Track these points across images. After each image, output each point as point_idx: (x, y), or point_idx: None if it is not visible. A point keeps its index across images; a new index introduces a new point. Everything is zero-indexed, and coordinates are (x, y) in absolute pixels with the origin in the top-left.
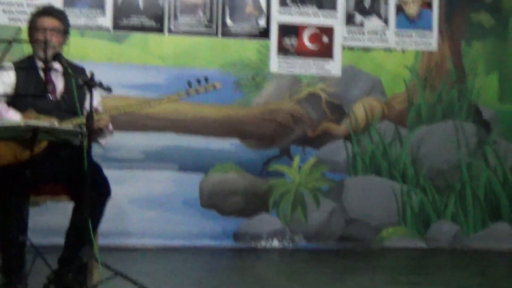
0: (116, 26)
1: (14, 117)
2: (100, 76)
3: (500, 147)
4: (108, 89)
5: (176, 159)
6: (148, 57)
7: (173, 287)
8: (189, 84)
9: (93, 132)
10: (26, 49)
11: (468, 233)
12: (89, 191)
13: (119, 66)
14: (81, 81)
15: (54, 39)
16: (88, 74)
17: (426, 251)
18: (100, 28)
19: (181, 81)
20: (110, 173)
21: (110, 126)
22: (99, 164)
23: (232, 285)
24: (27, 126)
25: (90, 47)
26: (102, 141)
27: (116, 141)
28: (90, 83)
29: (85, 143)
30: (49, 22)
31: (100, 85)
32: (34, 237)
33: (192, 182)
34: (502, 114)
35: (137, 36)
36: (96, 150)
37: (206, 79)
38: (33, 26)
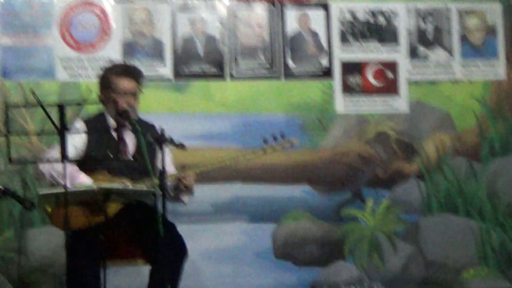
0: (177, 75)
1: (85, 180)
2: (163, 127)
3: None
4: (181, 146)
5: (246, 210)
6: (211, 105)
7: None
8: (265, 141)
9: (177, 190)
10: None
11: None
12: (167, 253)
13: (182, 116)
14: (150, 137)
15: (132, 103)
16: (158, 130)
17: None
18: (160, 78)
19: (246, 128)
20: (179, 228)
21: None
22: (173, 222)
23: None
24: (100, 189)
25: (151, 98)
26: (185, 198)
27: None
28: (161, 139)
29: (159, 203)
30: (129, 84)
31: (171, 141)
32: None
33: (264, 232)
34: None
35: (198, 84)
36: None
37: (283, 136)
38: (109, 85)
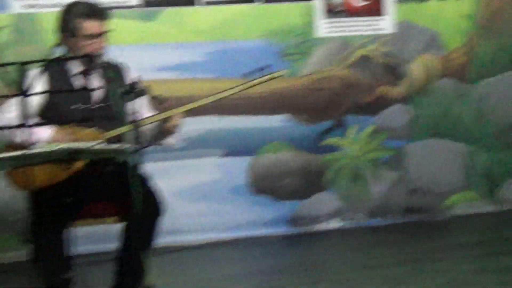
0: (147, 2)
1: (44, 135)
2: (132, 59)
3: None
4: (160, 101)
5: (221, 144)
6: (184, 34)
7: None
8: (247, 74)
9: (162, 133)
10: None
11: None
12: (141, 212)
13: (152, 47)
14: (126, 89)
15: (103, 46)
16: (136, 79)
17: (499, 214)
18: (128, 6)
19: (221, 56)
20: (150, 166)
21: None
22: (149, 177)
23: (298, 271)
24: (61, 150)
25: (119, 28)
26: (171, 140)
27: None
28: (139, 92)
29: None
30: (97, 27)
31: (145, 92)
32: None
33: (240, 167)
34: None
35: (170, 11)
36: None
37: (268, 67)
38: (73, 30)
